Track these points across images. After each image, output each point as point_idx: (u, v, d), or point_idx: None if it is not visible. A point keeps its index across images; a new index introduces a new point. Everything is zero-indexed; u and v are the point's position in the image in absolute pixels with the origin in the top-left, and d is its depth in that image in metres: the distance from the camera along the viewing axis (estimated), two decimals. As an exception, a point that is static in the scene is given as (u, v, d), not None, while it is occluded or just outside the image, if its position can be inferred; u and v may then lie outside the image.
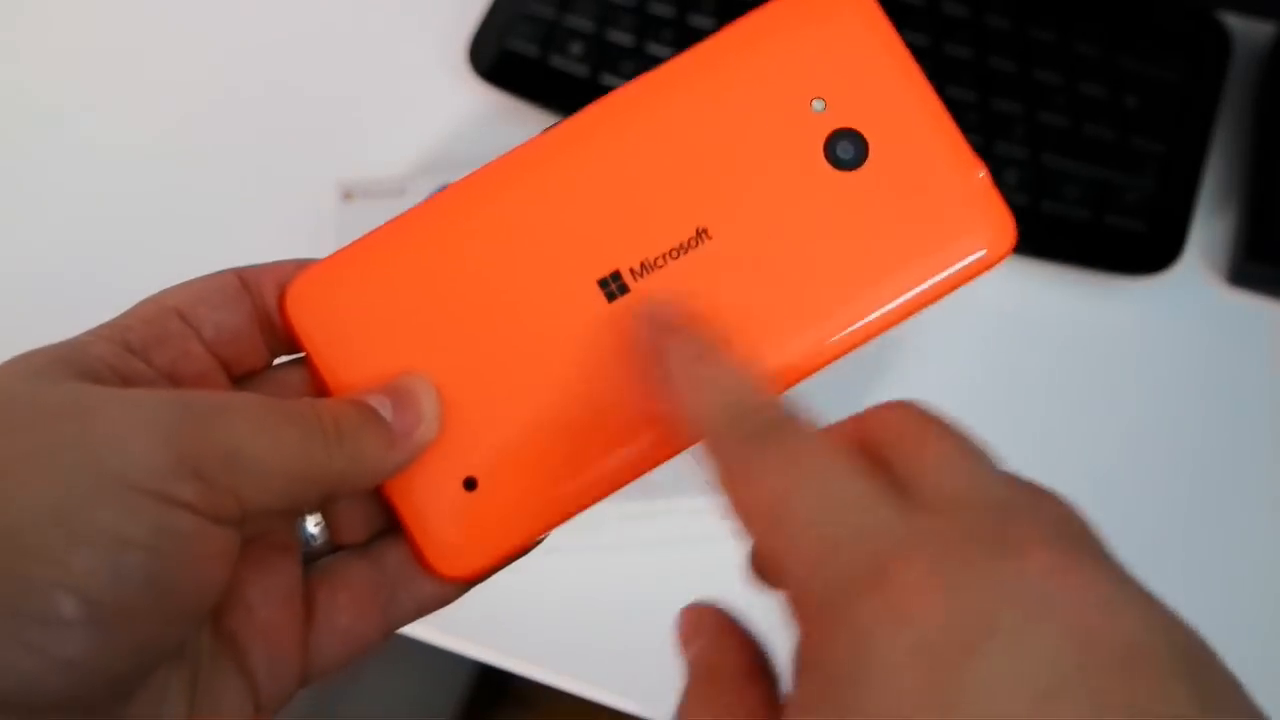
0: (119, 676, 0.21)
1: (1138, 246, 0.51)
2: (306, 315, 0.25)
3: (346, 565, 0.25)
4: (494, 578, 0.43)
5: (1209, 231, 0.52)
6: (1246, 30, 0.56)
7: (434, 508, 0.25)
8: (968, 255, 0.26)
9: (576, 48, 0.54)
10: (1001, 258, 0.26)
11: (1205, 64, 0.54)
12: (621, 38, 0.54)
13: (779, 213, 0.26)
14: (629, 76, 0.53)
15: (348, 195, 0.49)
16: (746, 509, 0.21)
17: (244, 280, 0.26)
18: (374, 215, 0.48)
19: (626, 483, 0.26)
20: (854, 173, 0.26)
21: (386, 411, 0.24)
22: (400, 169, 0.54)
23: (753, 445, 0.21)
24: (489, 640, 0.43)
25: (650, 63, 0.53)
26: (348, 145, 0.54)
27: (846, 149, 0.26)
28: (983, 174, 0.26)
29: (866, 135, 0.26)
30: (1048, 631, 0.17)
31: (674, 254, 0.25)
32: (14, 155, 0.55)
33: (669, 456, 0.26)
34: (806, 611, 0.20)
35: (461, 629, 0.43)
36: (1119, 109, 0.53)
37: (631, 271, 0.25)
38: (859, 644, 0.18)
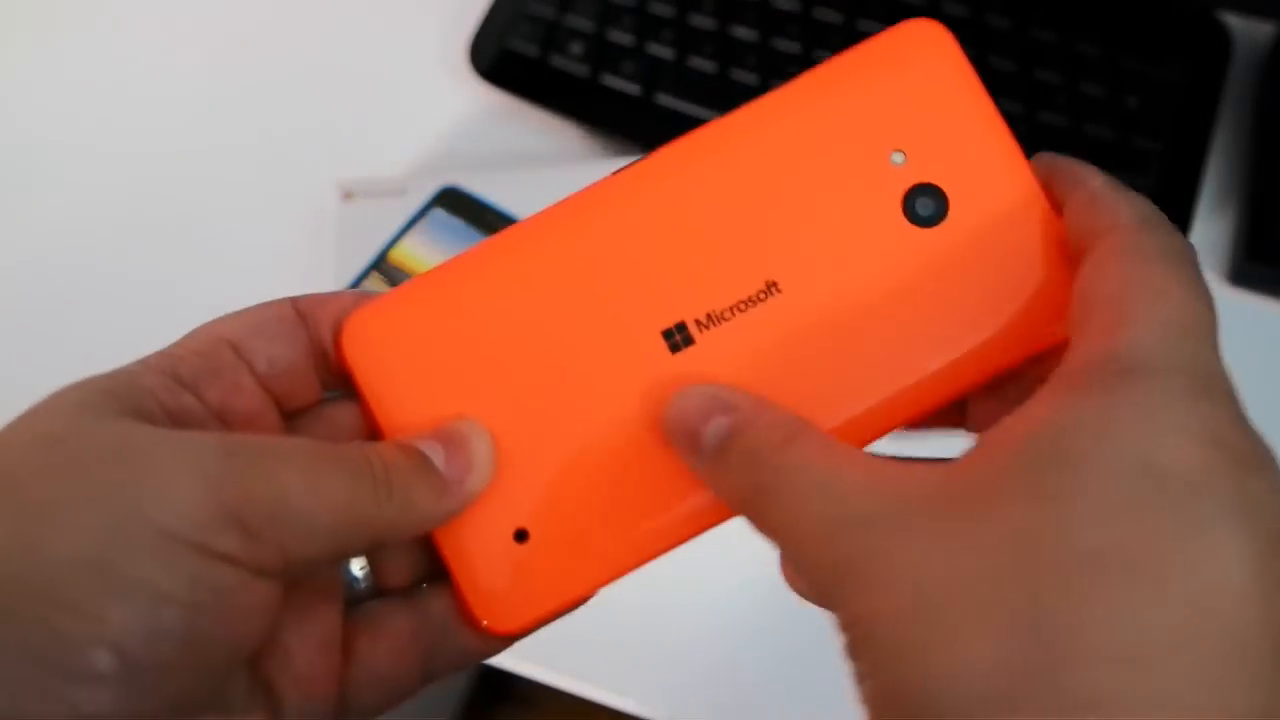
0: None
1: (1138, 246, 0.51)
2: (363, 353, 0.25)
3: (389, 612, 0.25)
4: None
5: (1209, 231, 0.52)
6: (1247, 30, 0.56)
7: (483, 559, 0.24)
8: (1043, 334, 0.24)
9: (577, 47, 0.54)
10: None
11: (1205, 64, 0.54)
12: (622, 38, 0.54)
13: (852, 269, 0.25)
14: (629, 76, 0.53)
15: (348, 195, 0.49)
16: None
17: (300, 310, 0.25)
18: (374, 215, 0.49)
19: (683, 541, 0.25)
20: (933, 230, 0.25)
21: (439, 458, 0.24)
22: (400, 169, 0.54)
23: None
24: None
25: (650, 62, 0.53)
26: (348, 145, 0.54)
27: (926, 205, 0.25)
28: (1062, 237, 0.25)
29: (947, 191, 0.25)
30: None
31: (741, 307, 0.25)
32: (14, 154, 0.55)
33: (724, 518, 0.25)
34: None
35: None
36: (1119, 109, 0.53)
37: (697, 323, 0.25)
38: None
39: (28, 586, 0.19)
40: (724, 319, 0.25)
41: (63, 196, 0.54)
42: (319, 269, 0.48)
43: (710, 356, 0.25)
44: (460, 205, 0.49)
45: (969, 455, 0.21)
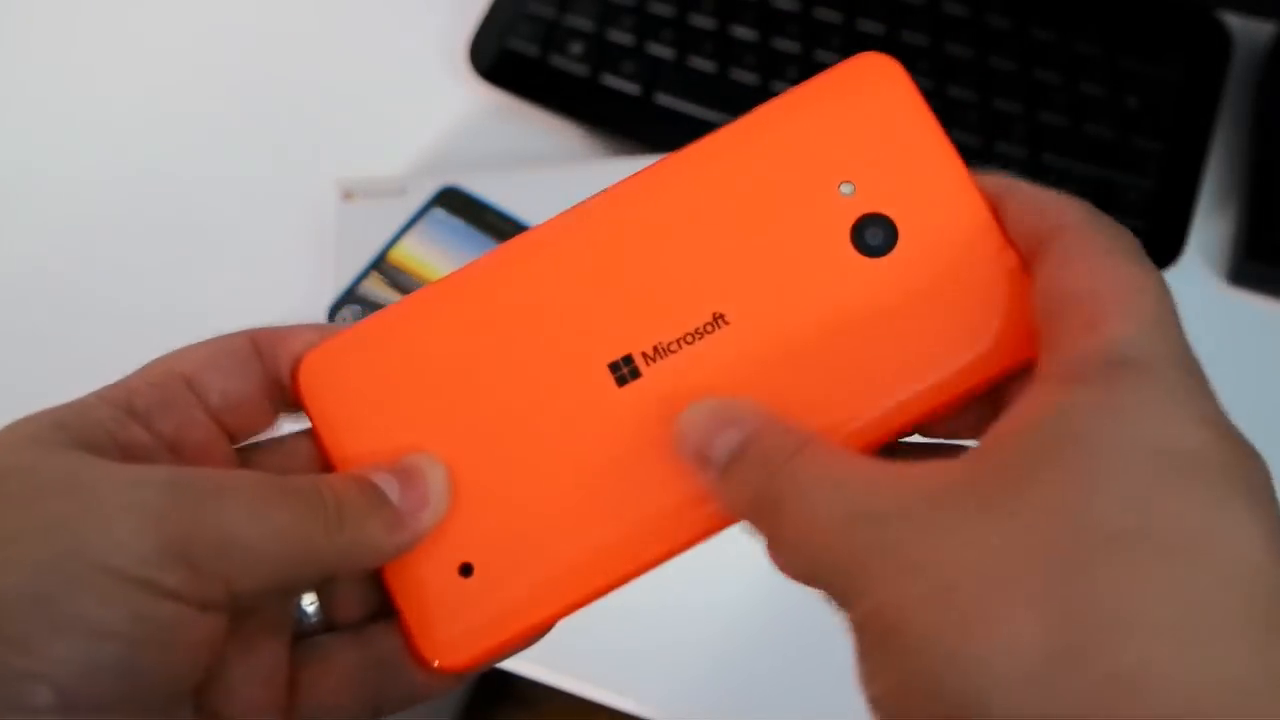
0: None
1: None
2: (319, 392, 0.25)
3: (337, 647, 0.25)
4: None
5: (1209, 231, 0.52)
6: (1247, 30, 0.56)
7: (429, 594, 0.24)
8: (1002, 359, 0.24)
9: (577, 47, 0.54)
10: (1027, 361, 0.24)
11: (1205, 63, 0.54)
12: (621, 38, 0.54)
13: (800, 300, 0.25)
14: (629, 76, 0.53)
15: (348, 195, 0.49)
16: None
17: (257, 344, 0.25)
18: (374, 215, 0.49)
19: (630, 577, 0.25)
20: (882, 260, 0.25)
21: (393, 492, 0.24)
22: (400, 169, 0.54)
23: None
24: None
25: (650, 62, 0.53)
26: (348, 145, 0.54)
27: (875, 235, 0.25)
28: (1014, 264, 0.24)
29: (896, 220, 0.25)
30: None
31: (689, 339, 0.25)
32: (14, 154, 0.55)
33: (675, 552, 0.25)
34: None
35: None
36: (1119, 108, 0.53)
37: (644, 355, 0.25)
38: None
39: None
40: (671, 351, 0.25)
41: (63, 196, 0.54)
42: (319, 269, 0.48)
43: (657, 389, 0.25)
44: (460, 205, 0.49)
45: (977, 449, 0.21)
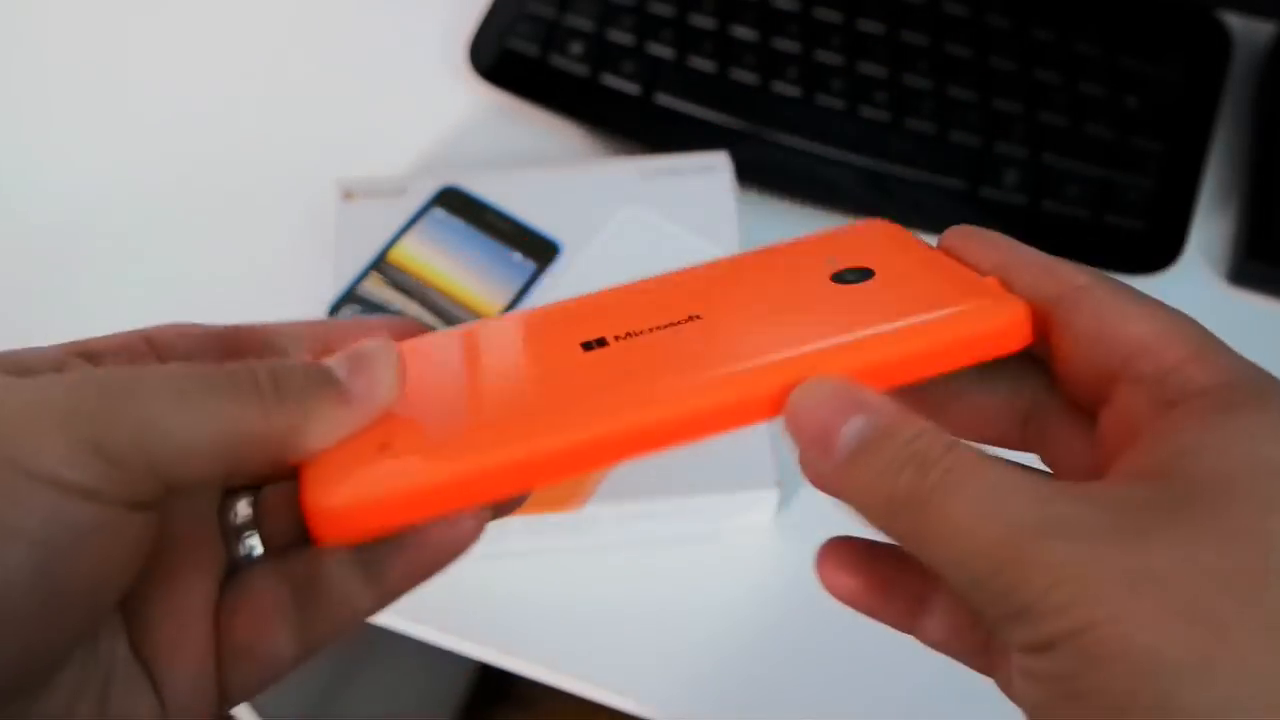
0: (10, 677, 0.20)
1: (1138, 245, 0.51)
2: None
3: (262, 577, 0.24)
4: (495, 576, 0.43)
5: (1209, 230, 0.52)
6: (1247, 29, 0.56)
7: (337, 457, 0.23)
8: (976, 317, 0.24)
9: (577, 47, 0.54)
10: (1018, 338, 0.24)
11: (1205, 63, 0.54)
12: (621, 38, 0.54)
13: (772, 301, 0.26)
14: (629, 76, 0.53)
15: (348, 195, 0.49)
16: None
17: (238, 336, 0.25)
18: (374, 215, 0.49)
19: (544, 479, 0.23)
20: (856, 285, 0.26)
21: (341, 371, 0.23)
22: (400, 169, 0.54)
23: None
24: (489, 640, 0.43)
25: (650, 62, 0.53)
26: (348, 145, 0.54)
27: (853, 275, 0.26)
28: (995, 283, 0.25)
29: (875, 270, 0.26)
30: None
31: (659, 328, 0.26)
32: (14, 153, 0.55)
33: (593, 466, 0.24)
34: None
35: (462, 629, 0.43)
36: (1119, 108, 0.53)
37: (615, 337, 0.25)
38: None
39: None
40: (640, 334, 0.25)
41: (63, 195, 0.54)
42: (319, 269, 0.48)
43: (618, 352, 0.25)
44: (460, 205, 0.49)
45: (1131, 475, 0.21)
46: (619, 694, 0.42)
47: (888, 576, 0.26)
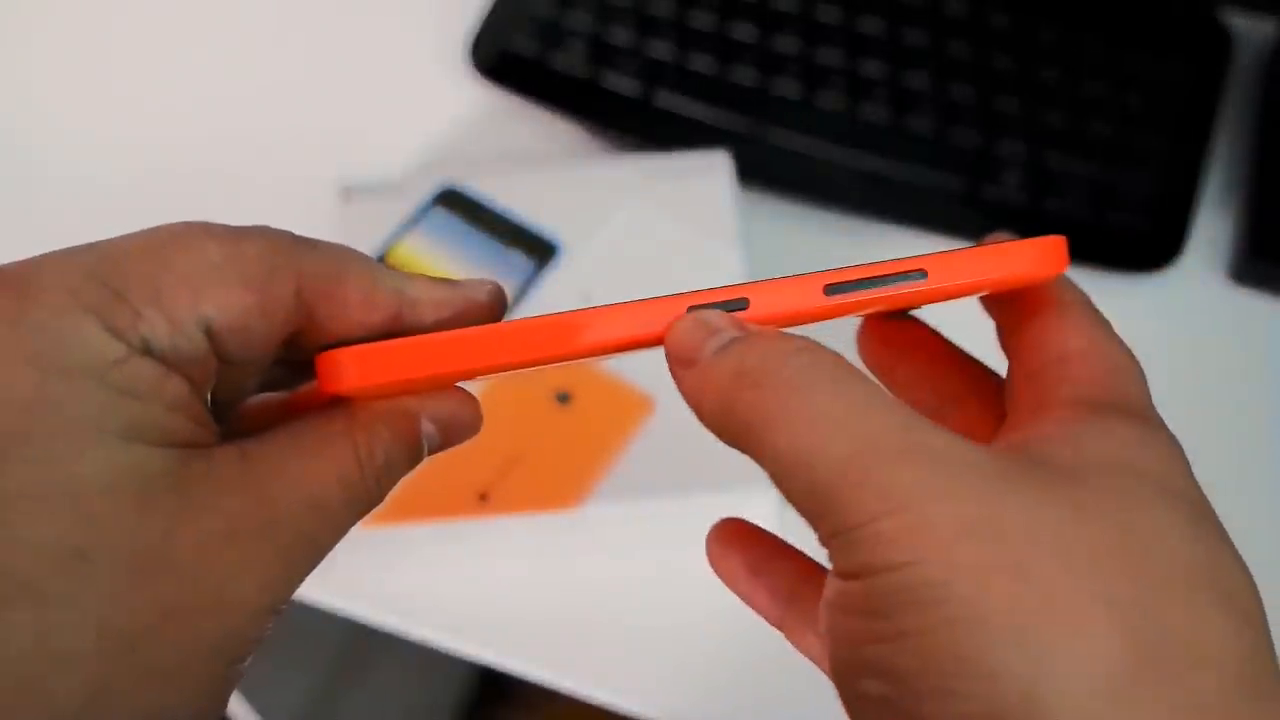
0: None
1: (1140, 244, 0.50)
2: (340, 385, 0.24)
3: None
4: (495, 577, 0.43)
5: (1211, 228, 0.52)
6: (1249, 28, 0.56)
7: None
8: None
9: (577, 47, 0.54)
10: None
11: (1207, 62, 0.54)
12: (621, 37, 0.54)
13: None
14: (629, 76, 0.53)
15: (348, 195, 0.49)
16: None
17: (300, 290, 0.24)
18: (374, 215, 0.48)
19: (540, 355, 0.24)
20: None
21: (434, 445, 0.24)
22: (400, 169, 0.54)
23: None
24: (489, 640, 0.43)
25: (650, 62, 0.53)
26: (348, 145, 0.54)
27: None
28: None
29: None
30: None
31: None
32: (15, 153, 0.55)
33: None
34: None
35: (461, 630, 0.43)
36: (1121, 107, 0.53)
37: None
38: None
39: None
40: None
41: (63, 195, 0.54)
42: (319, 269, 0.48)
43: None
44: (460, 205, 0.49)
45: (1001, 446, 0.22)
46: (619, 695, 0.42)
47: (768, 564, 0.27)
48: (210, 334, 0.22)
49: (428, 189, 0.49)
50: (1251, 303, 0.51)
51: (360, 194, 0.49)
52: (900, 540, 0.19)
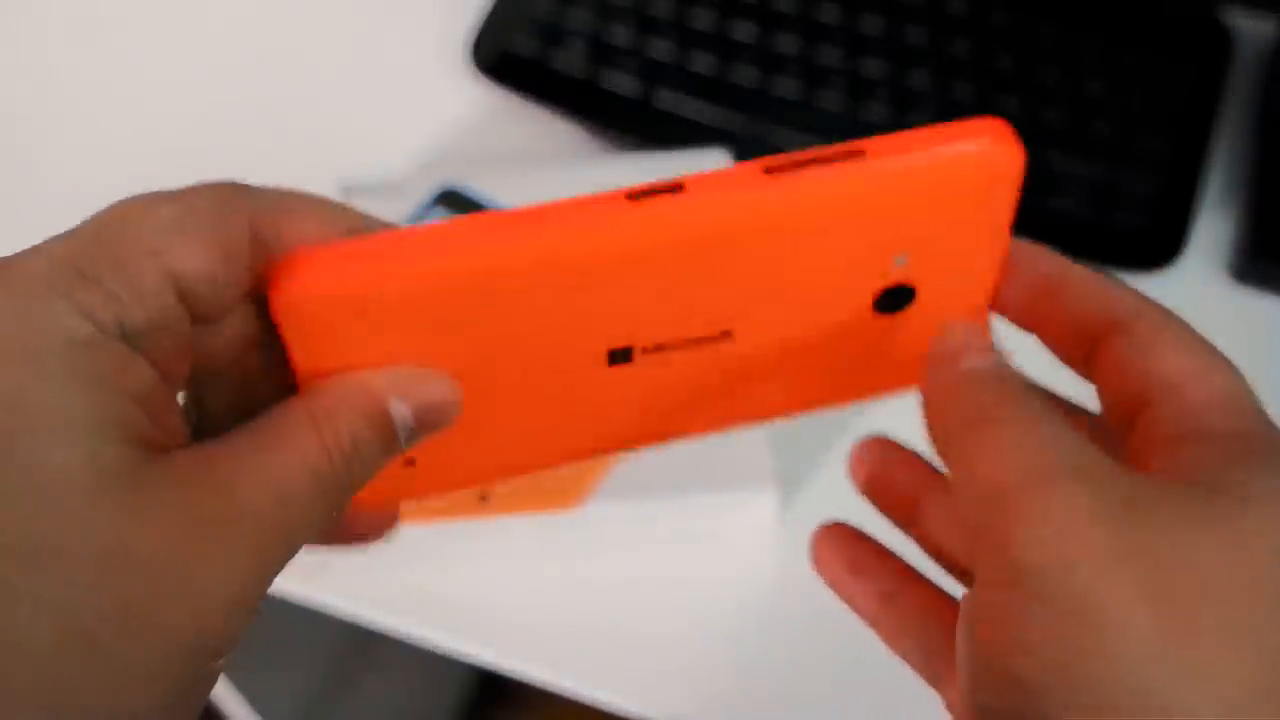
0: None
1: (1141, 242, 0.50)
2: (294, 315, 0.23)
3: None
4: (495, 577, 0.43)
5: (1212, 228, 0.52)
6: (1250, 28, 0.56)
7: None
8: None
9: (577, 46, 0.54)
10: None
11: (1208, 61, 0.54)
12: (622, 37, 0.54)
13: (803, 330, 0.26)
14: (629, 76, 0.53)
15: (348, 194, 0.49)
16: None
17: (253, 224, 0.22)
18: (374, 214, 0.48)
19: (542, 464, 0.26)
20: (889, 316, 0.26)
21: (408, 439, 0.24)
22: (400, 168, 0.54)
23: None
24: (489, 640, 0.43)
25: (650, 62, 0.53)
26: (348, 145, 0.54)
27: (895, 301, 0.26)
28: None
29: (920, 291, 0.26)
30: None
31: (689, 345, 0.25)
32: (15, 153, 0.55)
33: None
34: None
35: (461, 630, 0.43)
36: (1122, 106, 0.52)
37: (644, 350, 0.25)
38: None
39: None
40: (669, 348, 0.25)
41: (62, 194, 0.54)
42: (318, 269, 0.48)
43: (640, 371, 0.25)
44: (460, 205, 0.49)
45: (1159, 474, 0.22)
46: (619, 695, 0.42)
47: (868, 566, 0.29)
48: (181, 293, 0.21)
49: (428, 188, 0.49)
50: (1252, 302, 0.51)
51: (360, 193, 0.49)
52: (1058, 553, 0.19)
